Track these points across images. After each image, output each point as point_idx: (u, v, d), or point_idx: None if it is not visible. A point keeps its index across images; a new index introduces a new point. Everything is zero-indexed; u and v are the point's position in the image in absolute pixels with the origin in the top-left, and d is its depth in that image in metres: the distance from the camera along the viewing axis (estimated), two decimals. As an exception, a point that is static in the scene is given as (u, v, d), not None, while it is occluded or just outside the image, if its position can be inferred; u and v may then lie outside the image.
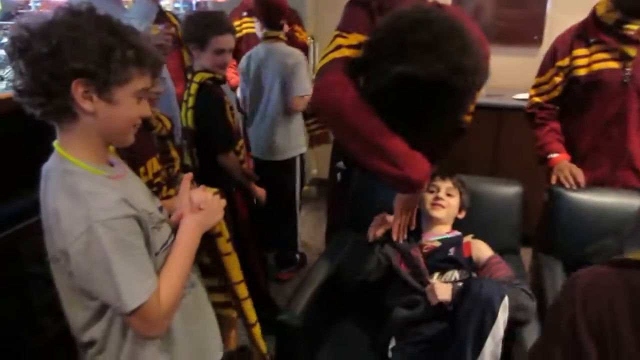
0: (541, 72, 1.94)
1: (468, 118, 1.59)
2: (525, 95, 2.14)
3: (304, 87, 2.38)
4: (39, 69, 0.81)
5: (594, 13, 1.78)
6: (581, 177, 1.77)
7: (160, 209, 1.05)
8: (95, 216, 0.83)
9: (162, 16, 2.62)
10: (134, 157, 1.23)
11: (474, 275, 1.45)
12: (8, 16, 3.55)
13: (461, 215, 1.61)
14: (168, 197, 1.53)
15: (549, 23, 3.04)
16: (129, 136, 0.95)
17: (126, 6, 2.29)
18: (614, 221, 1.61)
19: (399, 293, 1.45)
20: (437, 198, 1.54)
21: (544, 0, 3.01)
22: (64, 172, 0.88)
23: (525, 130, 2.05)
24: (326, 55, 1.40)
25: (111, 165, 0.97)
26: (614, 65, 1.73)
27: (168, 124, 1.53)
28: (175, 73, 2.74)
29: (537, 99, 1.95)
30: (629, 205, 1.66)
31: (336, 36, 1.42)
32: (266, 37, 2.40)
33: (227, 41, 1.85)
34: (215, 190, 1.12)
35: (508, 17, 3.09)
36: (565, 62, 1.83)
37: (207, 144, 1.89)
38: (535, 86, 1.96)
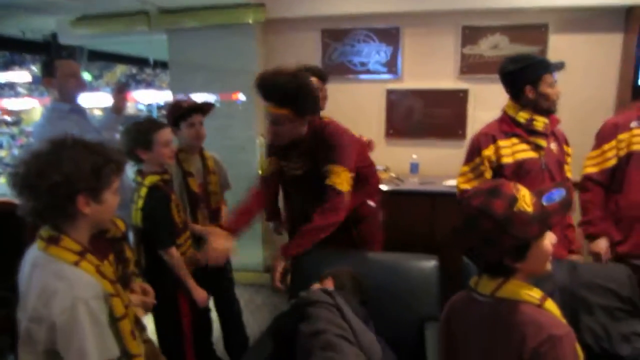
0: (467, 161, 2.18)
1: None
2: (454, 182, 2.31)
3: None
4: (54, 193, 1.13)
5: (506, 113, 2.13)
6: None
7: None
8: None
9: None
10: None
11: None
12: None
13: None
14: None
15: (470, 120, 3.53)
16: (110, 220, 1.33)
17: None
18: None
19: None
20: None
21: (465, 102, 3.53)
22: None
23: (455, 211, 2.30)
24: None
25: None
26: (533, 154, 2.07)
27: (122, 226, 1.63)
28: None
29: (465, 186, 2.16)
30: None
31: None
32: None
33: (169, 133, 2.09)
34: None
35: (436, 115, 3.59)
36: (490, 151, 2.09)
37: (152, 241, 2.05)
38: (462, 174, 2.19)
